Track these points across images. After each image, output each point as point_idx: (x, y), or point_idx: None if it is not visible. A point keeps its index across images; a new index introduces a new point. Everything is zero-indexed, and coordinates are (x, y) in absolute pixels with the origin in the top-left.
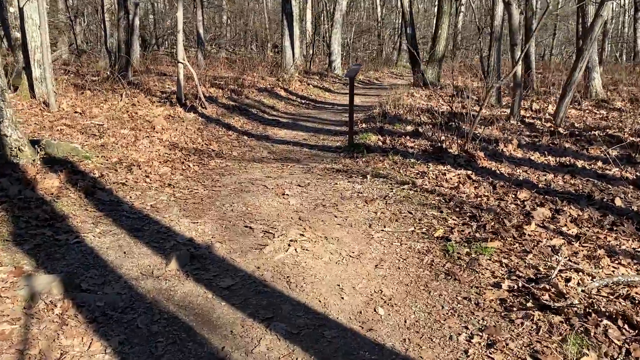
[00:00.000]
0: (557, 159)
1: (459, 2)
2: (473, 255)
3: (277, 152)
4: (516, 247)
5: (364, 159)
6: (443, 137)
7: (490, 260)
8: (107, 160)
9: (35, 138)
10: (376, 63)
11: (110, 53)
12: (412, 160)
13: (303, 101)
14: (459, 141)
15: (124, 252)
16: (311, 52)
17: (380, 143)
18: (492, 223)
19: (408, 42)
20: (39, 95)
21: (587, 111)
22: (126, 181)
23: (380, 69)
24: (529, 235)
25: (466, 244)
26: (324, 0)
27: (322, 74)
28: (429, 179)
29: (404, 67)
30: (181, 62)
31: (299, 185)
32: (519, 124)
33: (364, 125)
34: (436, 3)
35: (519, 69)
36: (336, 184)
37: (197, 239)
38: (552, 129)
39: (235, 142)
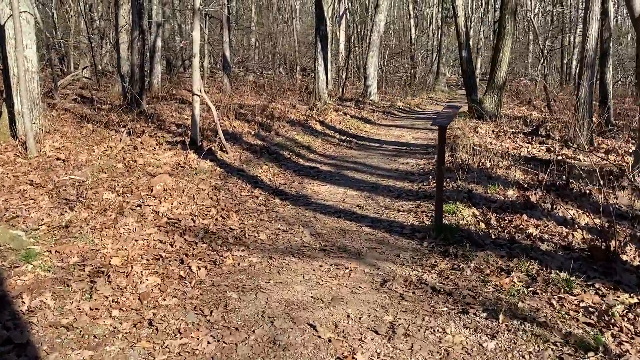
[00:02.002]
0: None
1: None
2: None
3: (323, 234)
4: None
5: (471, 264)
6: (606, 228)
7: None
8: (62, 260)
9: None
10: (413, 88)
11: (123, 78)
12: (562, 274)
13: (343, 137)
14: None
15: None
16: (344, 76)
17: (482, 224)
18: None
19: (463, 66)
20: (21, 133)
21: None
22: (75, 320)
23: (418, 95)
24: None
25: None
26: (356, 22)
27: (358, 101)
28: (622, 331)
29: (442, 91)
30: (197, 95)
31: (376, 332)
32: None
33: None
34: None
35: None
36: (444, 331)
37: None
38: None
39: (264, 211)
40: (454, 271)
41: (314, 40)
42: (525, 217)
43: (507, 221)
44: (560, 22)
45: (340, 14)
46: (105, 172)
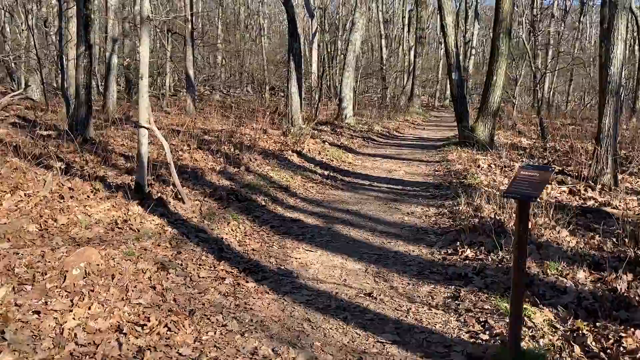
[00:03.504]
0: None
1: (470, 45)
2: None
3: None
4: None
5: None
6: None
7: None
8: None
9: None
10: (389, 110)
11: (69, 99)
12: None
13: (325, 172)
14: None
15: None
16: (317, 97)
17: (576, 348)
18: None
19: (453, 90)
20: None
21: None
22: None
23: (393, 117)
24: None
25: None
26: (326, 41)
27: (333, 125)
28: None
29: (417, 114)
30: (144, 127)
31: None
32: None
33: (469, 254)
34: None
35: None
36: None
37: None
38: None
39: (232, 310)
40: None
41: (286, 59)
42: (637, 333)
43: (612, 341)
44: (533, 43)
45: (313, 32)
46: (8, 240)
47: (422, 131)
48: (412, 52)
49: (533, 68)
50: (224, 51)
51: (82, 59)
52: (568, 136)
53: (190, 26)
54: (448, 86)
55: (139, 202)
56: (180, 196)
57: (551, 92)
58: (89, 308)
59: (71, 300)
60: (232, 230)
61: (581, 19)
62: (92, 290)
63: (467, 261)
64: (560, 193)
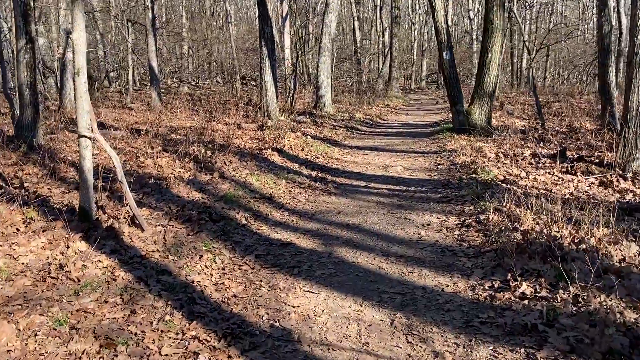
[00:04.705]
0: None
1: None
2: None
3: None
4: None
5: None
6: None
7: None
8: None
9: None
10: (368, 95)
11: (12, 101)
12: None
13: (313, 174)
14: None
15: None
16: (292, 85)
17: None
18: None
19: (445, 71)
20: None
21: None
22: None
23: (373, 103)
24: None
25: None
26: (296, 25)
27: (312, 115)
28: None
29: (397, 97)
30: (86, 137)
31: None
32: None
33: (526, 290)
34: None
35: None
36: None
37: None
38: None
39: None
40: None
41: (257, 46)
42: None
43: None
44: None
45: (284, 15)
46: None
47: (406, 116)
48: (386, 34)
49: (527, 44)
50: (190, 41)
51: (24, 54)
52: (563, 114)
53: (151, 14)
54: (423, 67)
55: (83, 235)
56: (137, 221)
57: (528, 70)
58: None
59: None
60: (206, 267)
61: None
62: None
63: (525, 301)
64: (590, 185)
